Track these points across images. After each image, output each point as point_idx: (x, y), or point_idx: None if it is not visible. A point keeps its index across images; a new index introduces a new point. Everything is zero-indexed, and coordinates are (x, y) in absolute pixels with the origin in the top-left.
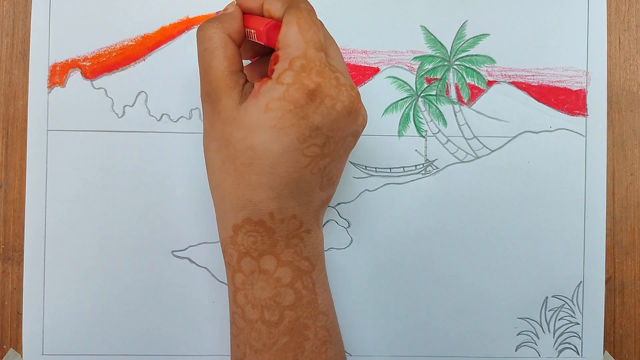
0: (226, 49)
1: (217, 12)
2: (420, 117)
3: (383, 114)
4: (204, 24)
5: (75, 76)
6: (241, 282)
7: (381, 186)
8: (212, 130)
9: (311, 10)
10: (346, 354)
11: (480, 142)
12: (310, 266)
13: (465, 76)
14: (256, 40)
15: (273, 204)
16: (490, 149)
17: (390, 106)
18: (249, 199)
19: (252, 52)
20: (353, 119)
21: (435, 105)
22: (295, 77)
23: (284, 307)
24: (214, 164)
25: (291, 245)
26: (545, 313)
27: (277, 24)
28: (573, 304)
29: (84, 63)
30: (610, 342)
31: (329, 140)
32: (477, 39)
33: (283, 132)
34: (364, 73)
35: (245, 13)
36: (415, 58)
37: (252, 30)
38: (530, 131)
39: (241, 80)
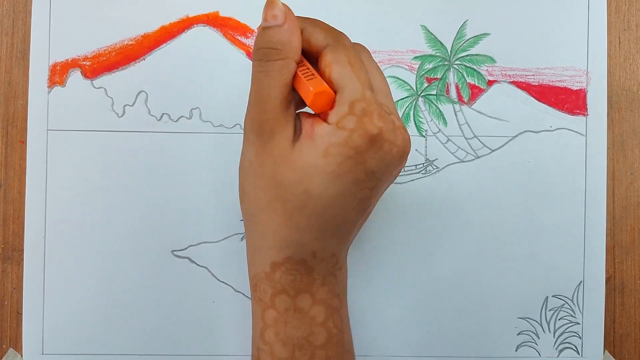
0: (290, 75)
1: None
2: (421, 117)
3: None
4: (274, 30)
5: (75, 76)
6: (273, 320)
7: None
8: (260, 167)
9: (355, 48)
10: None
11: (481, 142)
12: (339, 303)
13: (465, 76)
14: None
15: (317, 243)
16: (490, 149)
17: None
18: (295, 239)
19: None
20: (404, 162)
21: (435, 105)
22: (358, 122)
23: (315, 346)
24: (259, 201)
25: (326, 283)
26: (545, 313)
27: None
28: (573, 303)
29: (84, 62)
30: (610, 342)
31: (380, 182)
32: (477, 38)
33: (340, 177)
34: None
35: None
36: (416, 58)
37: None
38: (530, 131)
39: (295, 114)
